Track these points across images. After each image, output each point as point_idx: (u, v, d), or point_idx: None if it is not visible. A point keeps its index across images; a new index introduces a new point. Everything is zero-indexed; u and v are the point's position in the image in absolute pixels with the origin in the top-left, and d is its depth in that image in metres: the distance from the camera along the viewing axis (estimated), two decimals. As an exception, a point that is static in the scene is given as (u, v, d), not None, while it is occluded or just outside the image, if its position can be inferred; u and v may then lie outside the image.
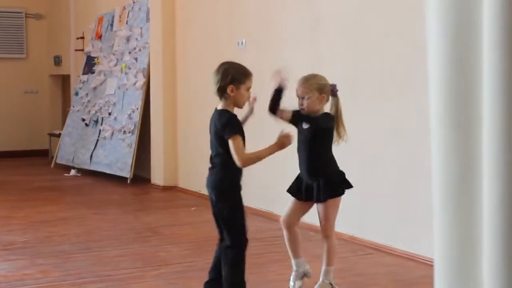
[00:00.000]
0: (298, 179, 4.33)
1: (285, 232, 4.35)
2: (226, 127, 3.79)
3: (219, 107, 3.91)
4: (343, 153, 5.83)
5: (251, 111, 4.10)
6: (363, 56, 5.71)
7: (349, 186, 4.37)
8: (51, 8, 13.26)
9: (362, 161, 5.66)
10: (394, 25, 5.37)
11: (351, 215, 5.75)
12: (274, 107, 4.19)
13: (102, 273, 4.74)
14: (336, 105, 4.25)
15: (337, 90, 4.25)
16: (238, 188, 3.90)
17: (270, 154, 3.86)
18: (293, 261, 4.41)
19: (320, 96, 4.16)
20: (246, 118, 4.08)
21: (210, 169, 3.96)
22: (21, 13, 13.20)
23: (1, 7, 12.97)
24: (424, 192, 4.98)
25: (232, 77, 3.84)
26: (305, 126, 4.22)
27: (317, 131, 4.19)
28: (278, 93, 4.15)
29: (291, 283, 4.38)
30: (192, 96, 8.31)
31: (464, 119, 2.18)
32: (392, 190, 5.37)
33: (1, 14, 13.01)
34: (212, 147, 3.94)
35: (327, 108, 4.28)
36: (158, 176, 8.85)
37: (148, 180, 9.04)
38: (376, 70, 5.56)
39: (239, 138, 3.77)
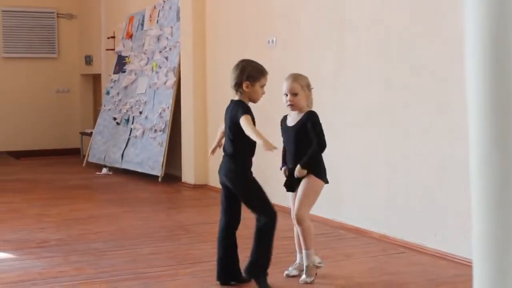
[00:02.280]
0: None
1: (297, 228, 4.51)
2: (239, 110, 4.17)
3: (235, 98, 4.29)
4: (373, 153, 5.83)
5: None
6: (389, 55, 5.68)
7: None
8: (82, 8, 13.39)
9: (391, 160, 5.64)
10: (421, 23, 5.34)
11: (382, 214, 5.74)
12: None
13: (136, 271, 4.78)
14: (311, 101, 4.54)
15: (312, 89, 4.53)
16: (248, 173, 4.27)
17: (257, 139, 4.03)
18: (298, 255, 4.61)
19: (307, 93, 4.45)
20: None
21: (223, 156, 4.38)
22: (52, 13, 13.36)
23: (33, 8, 13.14)
24: (456, 191, 4.95)
25: (249, 74, 4.21)
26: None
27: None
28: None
29: (289, 269, 4.60)
30: (222, 95, 8.31)
31: (504, 117, 2.16)
32: (423, 188, 5.34)
33: (33, 15, 13.17)
34: (226, 136, 4.34)
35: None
36: (188, 174, 8.89)
37: (179, 178, 9.09)
38: (403, 68, 5.53)
39: (249, 118, 4.13)
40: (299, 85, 4.42)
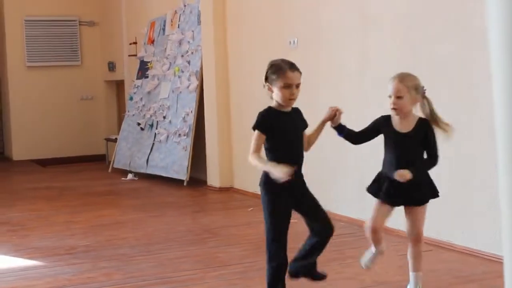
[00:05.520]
0: None
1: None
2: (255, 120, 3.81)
3: None
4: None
5: (329, 118, 4.06)
6: (413, 54, 5.65)
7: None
8: (104, 15, 13.48)
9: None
10: (445, 21, 5.30)
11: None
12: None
13: (163, 275, 4.80)
14: (430, 106, 3.98)
15: (425, 91, 3.99)
16: (270, 186, 3.75)
17: (265, 169, 3.75)
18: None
19: (414, 96, 3.93)
20: (323, 122, 4.05)
21: None
22: (75, 21, 13.47)
23: (56, 16, 13.26)
24: (484, 187, 4.90)
25: (266, 75, 3.84)
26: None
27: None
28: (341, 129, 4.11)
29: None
30: (245, 97, 8.33)
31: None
32: (450, 185, 5.29)
33: (56, 23, 13.30)
34: None
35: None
36: (214, 178, 8.90)
37: (204, 182, 9.10)
38: (427, 68, 5.49)
39: (257, 133, 3.78)
40: (405, 87, 3.90)
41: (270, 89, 3.82)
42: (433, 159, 4.00)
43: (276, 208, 3.77)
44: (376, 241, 4.19)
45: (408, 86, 3.90)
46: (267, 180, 3.77)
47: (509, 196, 2.23)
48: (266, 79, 3.83)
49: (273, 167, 3.65)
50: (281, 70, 3.80)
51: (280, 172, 3.58)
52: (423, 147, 4.00)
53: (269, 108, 3.86)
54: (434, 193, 4.13)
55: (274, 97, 3.82)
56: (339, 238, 4.68)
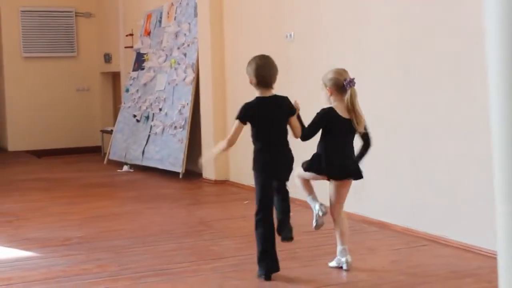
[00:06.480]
0: None
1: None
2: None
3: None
4: (396, 146, 5.80)
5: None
6: (410, 49, 5.64)
7: None
8: (100, 6, 13.45)
9: (414, 152, 5.61)
10: (442, 14, 5.30)
11: (405, 206, 5.71)
12: None
13: (158, 267, 4.79)
14: (350, 98, 4.46)
15: (348, 84, 4.45)
16: (259, 167, 4.48)
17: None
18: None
19: (329, 89, 4.51)
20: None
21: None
22: (71, 12, 13.44)
23: (52, 7, 13.23)
24: (480, 182, 4.91)
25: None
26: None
27: None
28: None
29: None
30: (242, 90, 8.31)
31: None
32: (446, 180, 5.30)
33: (52, 14, 13.26)
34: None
35: None
36: (209, 171, 8.90)
37: (200, 175, 9.09)
38: (425, 61, 5.49)
39: (236, 122, 4.48)
40: (322, 82, 4.56)
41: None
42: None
43: (260, 181, 4.48)
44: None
45: (323, 81, 4.54)
46: (255, 162, 4.53)
47: (503, 192, 2.23)
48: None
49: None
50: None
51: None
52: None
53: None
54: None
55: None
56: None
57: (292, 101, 4.54)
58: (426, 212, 5.52)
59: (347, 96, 4.42)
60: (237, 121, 4.47)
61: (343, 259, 4.56)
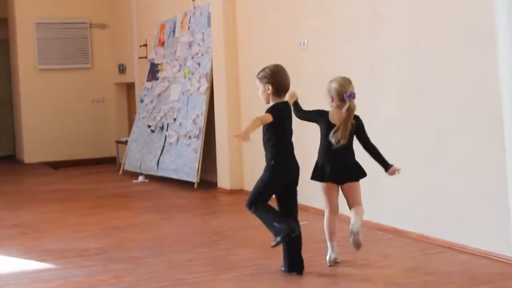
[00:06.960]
0: None
1: None
2: None
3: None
4: (411, 151, 5.77)
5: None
6: (424, 51, 5.63)
7: None
8: (114, 17, 13.52)
9: (430, 157, 5.58)
10: (456, 17, 5.27)
11: (421, 213, 5.68)
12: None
13: (174, 277, 4.79)
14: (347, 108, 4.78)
15: (348, 98, 4.76)
16: (279, 172, 4.73)
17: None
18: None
19: (330, 97, 4.84)
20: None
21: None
22: (85, 23, 13.53)
23: (66, 19, 13.32)
24: (497, 189, 4.87)
25: None
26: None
27: None
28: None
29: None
30: (256, 99, 8.28)
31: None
32: (462, 186, 5.27)
33: (66, 26, 13.36)
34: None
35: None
36: (224, 180, 8.90)
37: (215, 184, 9.10)
38: (438, 65, 5.47)
39: (267, 114, 4.66)
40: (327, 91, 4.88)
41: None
42: None
43: (270, 185, 4.78)
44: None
45: (328, 87, 4.85)
46: (273, 163, 4.81)
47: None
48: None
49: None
50: None
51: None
52: None
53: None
54: None
55: None
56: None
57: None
58: (442, 218, 5.49)
59: (345, 108, 4.71)
60: (268, 114, 4.62)
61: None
